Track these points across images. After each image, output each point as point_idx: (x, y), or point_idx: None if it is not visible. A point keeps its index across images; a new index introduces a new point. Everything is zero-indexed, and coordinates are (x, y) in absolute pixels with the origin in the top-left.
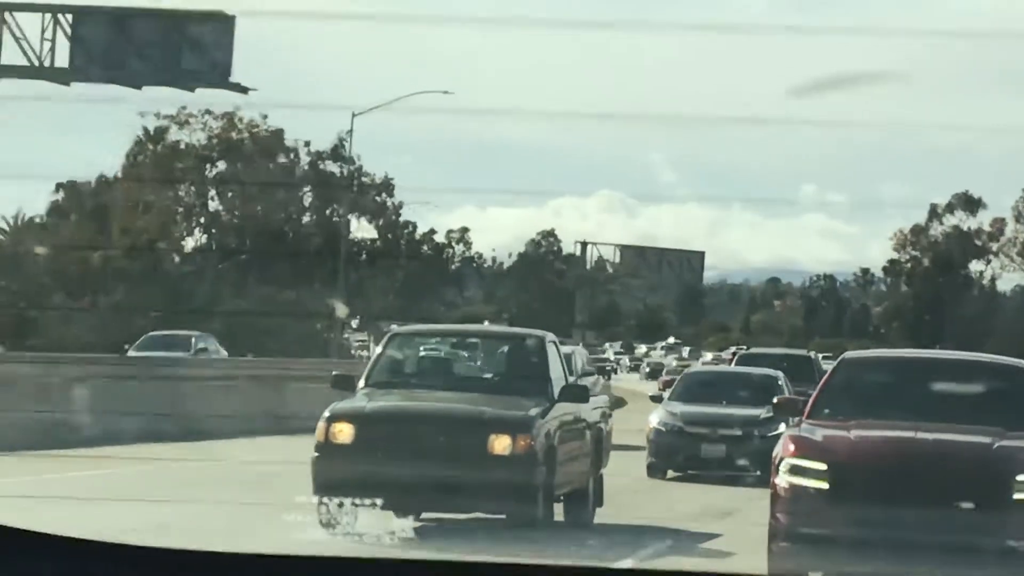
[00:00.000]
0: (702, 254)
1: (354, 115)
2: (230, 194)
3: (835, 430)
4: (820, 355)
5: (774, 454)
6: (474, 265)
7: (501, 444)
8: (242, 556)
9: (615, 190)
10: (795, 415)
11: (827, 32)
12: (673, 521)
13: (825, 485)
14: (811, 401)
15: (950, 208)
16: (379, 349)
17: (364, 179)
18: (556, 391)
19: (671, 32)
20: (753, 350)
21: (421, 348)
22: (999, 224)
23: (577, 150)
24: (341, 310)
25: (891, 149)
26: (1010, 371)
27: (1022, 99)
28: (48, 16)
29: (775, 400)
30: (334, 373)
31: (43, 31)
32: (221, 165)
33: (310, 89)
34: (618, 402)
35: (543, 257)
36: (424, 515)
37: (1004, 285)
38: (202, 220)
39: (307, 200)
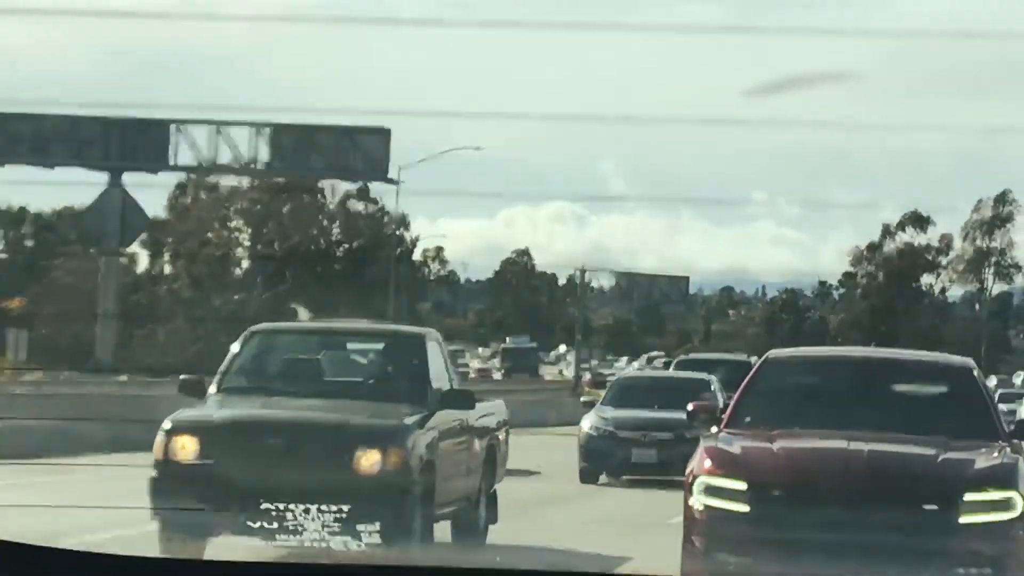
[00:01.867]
0: (687, 279)
1: (400, 168)
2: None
3: (757, 441)
4: None
5: (688, 468)
6: (451, 282)
7: (369, 460)
8: (238, 564)
9: (565, 199)
10: (712, 423)
11: (780, 33)
12: (579, 537)
13: (745, 507)
14: (731, 406)
15: (901, 226)
16: (235, 348)
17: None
18: (437, 397)
19: (623, 33)
20: (691, 355)
21: (284, 348)
22: (947, 240)
23: (526, 158)
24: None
25: (841, 153)
26: (952, 370)
27: (972, 100)
28: (252, 129)
29: (689, 407)
30: (182, 377)
31: (249, 140)
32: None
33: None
34: None
35: (518, 275)
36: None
37: (953, 294)
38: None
39: (335, 233)
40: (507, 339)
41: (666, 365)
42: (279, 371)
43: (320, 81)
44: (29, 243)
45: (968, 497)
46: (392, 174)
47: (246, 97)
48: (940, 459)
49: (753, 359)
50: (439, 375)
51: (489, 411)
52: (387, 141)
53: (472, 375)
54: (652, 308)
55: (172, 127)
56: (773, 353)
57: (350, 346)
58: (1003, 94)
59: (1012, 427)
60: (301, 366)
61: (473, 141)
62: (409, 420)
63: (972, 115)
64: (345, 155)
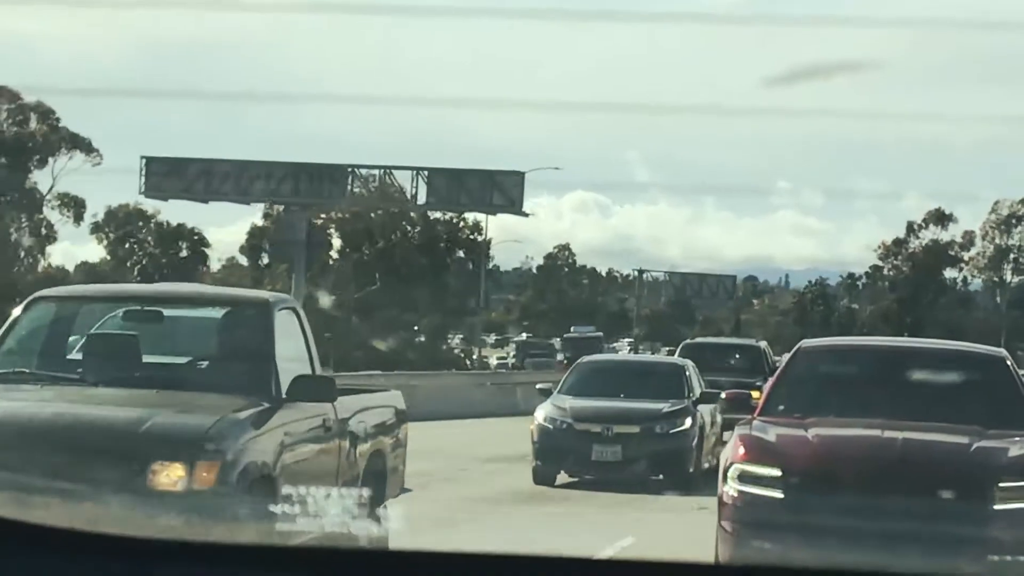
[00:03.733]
0: (734, 277)
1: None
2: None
3: (791, 429)
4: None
5: (723, 457)
6: (499, 274)
7: (169, 475)
8: (244, 547)
9: (588, 190)
10: (746, 411)
11: (800, 22)
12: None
13: (779, 494)
14: (764, 395)
15: (925, 223)
16: (15, 316)
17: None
18: (283, 385)
19: (644, 23)
20: (699, 339)
21: (79, 321)
22: (969, 236)
23: (549, 148)
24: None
25: (863, 142)
26: (986, 360)
27: (997, 89)
28: (413, 172)
29: (722, 395)
30: None
31: (411, 181)
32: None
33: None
34: None
35: (559, 269)
36: None
37: (974, 286)
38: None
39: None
40: (571, 328)
41: (670, 353)
42: (76, 351)
43: (339, 69)
44: (184, 254)
45: (1003, 484)
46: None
47: (262, 84)
48: (974, 447)
49: (762, 344)
50: (295, 356)
51: (373, 404)
52: (522, 181)
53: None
54: (684, 300)
55: (348, 170)
56: (806, 343)
57: (171, 316)
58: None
59: None
60: (101, 344)
61: (494, 129)
62: (235, 418)
63: (994, 104)
64: (487, 193)
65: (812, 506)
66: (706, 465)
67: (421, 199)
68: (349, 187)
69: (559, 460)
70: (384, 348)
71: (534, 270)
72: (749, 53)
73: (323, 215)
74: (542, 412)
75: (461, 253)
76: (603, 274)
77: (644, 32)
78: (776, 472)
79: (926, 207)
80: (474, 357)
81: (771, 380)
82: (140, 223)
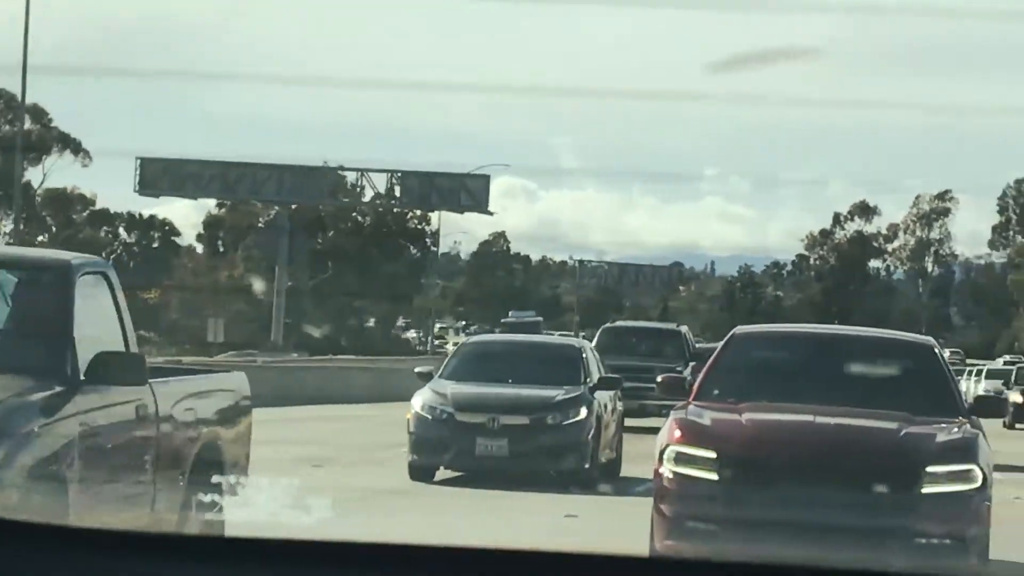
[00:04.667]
0: (673, 266)
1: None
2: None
3: (725, 413)
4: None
5: (658, 440)
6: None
7: None
8: (257, 541)
9: (515, 175)
10: (680, 395)
11: (741, 8)
12: None
13: (714, 475)
14: (699, 380)
15: (851, 215)
16: None
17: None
18: (78, 366)
19: (583, 5)
20: (619, 323)
21: None
22: (893, 228)
23: (477, 131)
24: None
25: (795, 130)
26: (916, 348)
27: (929, 77)
28: (388, 175)
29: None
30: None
31: (387, 182)
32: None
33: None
34: None
35: (495, 256)
36: None
37: (897, 276)
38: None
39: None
40: (510, 313)
41: (586, 338)
42: None
43: (269, 47)
44: (156, 245)
45: (930, 469)
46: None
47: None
48: (903, 433)
49: (683, 328)
50: (104, 331)
51: (207, 388)
52: (488, 183)
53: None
54: (610, 288)
55: (327, 171)
56: (741, 329)
57: None
58: (962, 73)
59: (971, 403)
60: None
61: (423, 111)
62: (16, 403)
63: (923, 94)
64: (456, 194)
65: (746, 488)
66: (604, 459)
67: (397, 198)
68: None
69: (438, 454)
70: (317, 335)
71: (463, 255)
72: (684, 38)
73: (277, 208)
74: (420, 399)
75: (409, 244)
76: (536, 261)
77: (582, 15)
78: (711, 454)
79: (852, 195)
80: (427, 341)
81: (706, 365)
82: (80, 207)
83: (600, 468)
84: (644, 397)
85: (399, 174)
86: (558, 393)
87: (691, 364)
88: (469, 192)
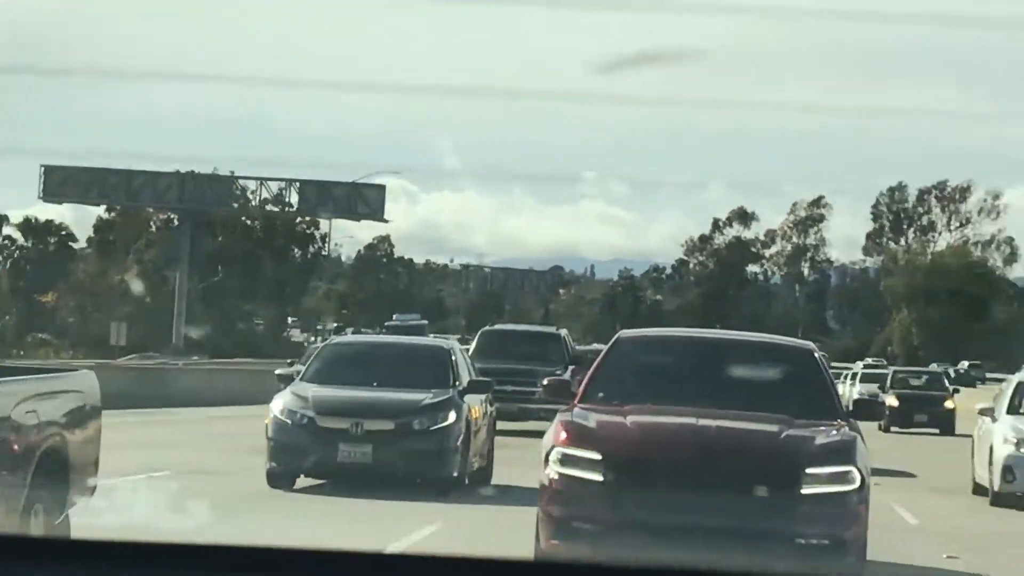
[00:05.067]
0: (553, 269)
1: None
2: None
3: (610, 416)
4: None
5: (543, 442)
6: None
7: None
8: (243, 549)
9: (397, 176)
10: (566, 398)
11: (625, 8)
12: None
13: (599, 477)
14: (584, 383)
15: (729, 221)
16: None
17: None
18: None
19: (466, 4)
20: (498, 327)
21: None
22: (771, 234)
23: (358, 132)
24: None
25: (676, 132)
26: (796, 353)
27: (809, 81)
28: (288, 184)
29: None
30: None
31: (286, 192)
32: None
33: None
34: None
35: (379, 259)
36: None
37: (775, 280)
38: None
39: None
40: (394, 316)
41: (462, 341)
42: None
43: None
44: (52, 248)
45: (810, 471)
46: None
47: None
48: (783, 435)
49: (563, 332)
50: None
51: (49, 391)
52: (383, 193)
53: None
54: (493, 291)
55: (228, 179)
56: (625, 333)
57: None
58: (843, 75)
59: (850, 407)
60: None
61: (308, 111)
62: None
63: (809, 98)
64: (353, 202)
65: (630, 490)
66: (474, 466)
67: (295, 205)
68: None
69: (298, 461)
70: (196, 336)
71: (343, 259)
72: (565, 39)
73: (168, 213)
74: (280, 403)
75: (297, 248)
76: (420, 264)
77: (466, 14)
78: (596, 456)
79: (731, 199)
80: (315, 343)
81: (591, 368)
82: None
83: (470, 475)
84: (524, 400)
85: (298, 183)
86: (425, 397)
87: (571, 367)
88: (365, 201)
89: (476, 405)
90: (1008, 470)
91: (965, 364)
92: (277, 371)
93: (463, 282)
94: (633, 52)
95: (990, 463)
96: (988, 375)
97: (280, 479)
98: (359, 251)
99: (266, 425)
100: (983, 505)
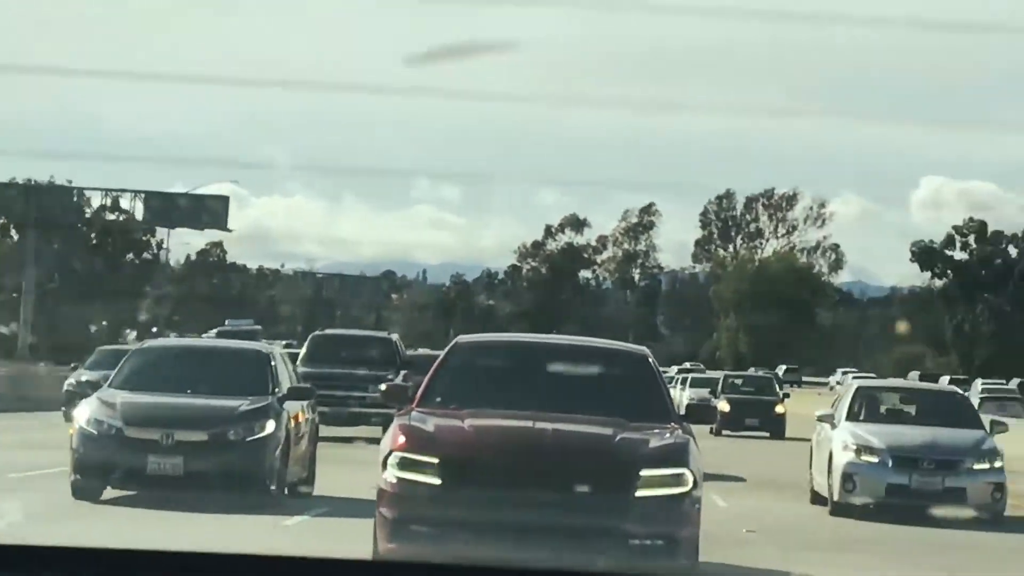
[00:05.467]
0: (385, 275)
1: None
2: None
3: (448, 420)
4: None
5: (382, 445)
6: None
7: None
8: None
9: (235, 184)
10: (403, 403)
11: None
12: None
13: (437, 480)
14: (422, 387)
15: (562, 228)
16: None
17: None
18: None
19: None
20: (328, 332)
21: None
22: (602, 240)
23: (181, 131)
24: None
25: (503, 134)
26: (630, 358)
27: (639, 78)
28: (133, 195)
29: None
30: None
31: (132, 204)
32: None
33: None
34: None
35: (212, 265)
36: None
37: (606, 285)
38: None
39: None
40: (226, 321)
41: (287, 346)
42: None
43: None
44: None
45: (644, 473)
46: None
47: None
48: (618, 438)
49: (394, 336)
50: None
51: None
52: (227, 203)
53: None
54: (326, 297)
55: (75, 193)
56: (463, 338)
57: None
58: (670, 74)
59: (682, 411)
60: None
61: (137, 110)
62: None
63: (648, 96)
64: (198, 213)
65: (468, 493)
66: (294, 478)
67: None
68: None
69: (104, 474)
70: (32, 343)
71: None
72: (395, 30)
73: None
74: (85, 411)
75: (132, 255)
76: (254, 269)
77: (285, 5)
78: (434, 460)
79: (563, 204)
80: None
81: (429, 373)
82: None
83: (291, 485)
84: (355, 405)
85: (143, 194)
86: (241, 404)
87: (403, 372)
88: (209, 211)
89: (297, 412)
90: (848, 478)
91: (782, 368)
92: (83, 376)
93: (295, 288)
94: (453, 44)
95: (829, 471)
96: (805, 379)
97: (86, 491)
98: (188, 256)
99: (70, 436)
100: (822, 515)
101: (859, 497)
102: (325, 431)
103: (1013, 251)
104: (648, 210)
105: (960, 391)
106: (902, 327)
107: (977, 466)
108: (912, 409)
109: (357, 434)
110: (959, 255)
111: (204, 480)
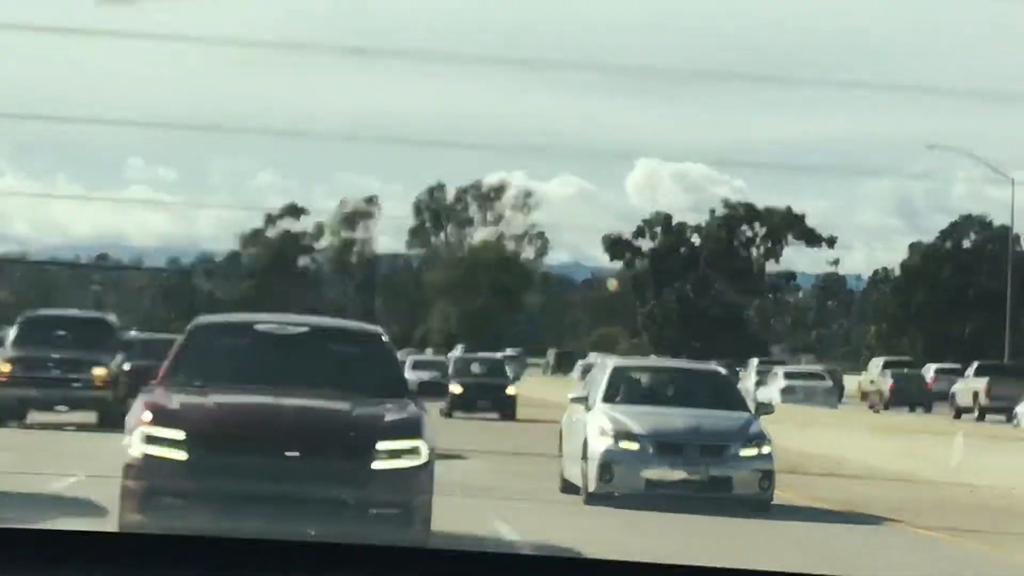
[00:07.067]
0: (99, 257)
1: None
2: None
3: (192, 396)
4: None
5: (127, 420)
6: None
7: None
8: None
9: None
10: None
11: None
12: None
13: (183, 455)
14: (165, 365)
15: (281, 215)
16: None
17: None
18: None
19: None
20: (41, 312)
21: None
22: (319, 227)
23: None
24: None
25: (218, 119)
26: (365, 336)
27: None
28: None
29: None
30: None
31: None
32: None
33: None
34: None
35: None
36: None
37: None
38: None
39: None
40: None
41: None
42: None
43: None
44: None
45: (380, 446)
46: None
47: None
48: (355, 412)
49: (111, 317)
50: None
51: None
52: None
53: None
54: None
55: None
56: (202, 318)
57: None
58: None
59: (417, 387)
60: None
61: None
62: None
63: (364, 81)
64: None
65: (213, 467)
66: None
67: None
68: None
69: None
70: None
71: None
72: None
73: None
74: None
75: None
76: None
77: None
78: (180, 435)
79: (281, 189)
80: None
81: (172, 352)
82: None
83: None
84: (69, 388)
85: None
86: None
87: (120, 355)
88: None
89: None
90: (606, 468)
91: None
92: None
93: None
94: None
95: (584, 458)
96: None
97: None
98: None
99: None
100: (576, 504)
101: (617, 487)
102: (35, 416)
103: (697, 240)
104: (369, 200)
105: (723, 370)
106: (598, 308)
107: (744, 452)
108: (671, 390)
109: (70, 420)
110: (647, 244)
111: None
